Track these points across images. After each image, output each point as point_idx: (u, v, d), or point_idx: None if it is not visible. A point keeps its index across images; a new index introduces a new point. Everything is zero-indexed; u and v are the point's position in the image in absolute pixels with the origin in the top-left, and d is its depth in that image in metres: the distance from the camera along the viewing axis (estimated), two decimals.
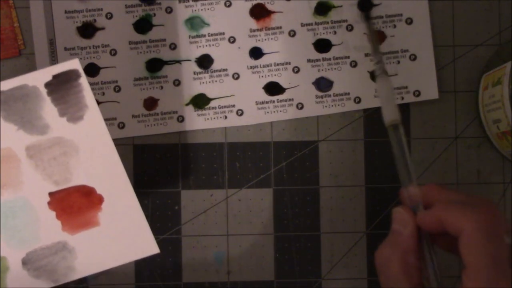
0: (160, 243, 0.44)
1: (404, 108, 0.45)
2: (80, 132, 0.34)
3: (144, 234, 0.35)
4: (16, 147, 0.34)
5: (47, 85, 0.34)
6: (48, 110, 0.34)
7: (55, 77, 0.34)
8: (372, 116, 0.45)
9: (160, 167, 0.44)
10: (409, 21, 0.44)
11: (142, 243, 0.35)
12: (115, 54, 0.44)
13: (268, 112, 0.44)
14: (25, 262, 0.34)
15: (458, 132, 0.45)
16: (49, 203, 0.34)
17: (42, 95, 0.34)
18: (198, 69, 0.44)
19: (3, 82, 0.34)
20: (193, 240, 0.44)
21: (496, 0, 0.45)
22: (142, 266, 0.44)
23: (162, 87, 0.44)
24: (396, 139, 0.36)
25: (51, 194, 0.35)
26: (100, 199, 0.35)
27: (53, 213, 0.35)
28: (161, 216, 0.44)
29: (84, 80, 0.35)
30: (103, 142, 0.35)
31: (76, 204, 0.34)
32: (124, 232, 0.35)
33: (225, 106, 0.44)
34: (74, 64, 0.35)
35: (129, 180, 0.35)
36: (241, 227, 0.44)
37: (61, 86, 0.34)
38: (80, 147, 0.34)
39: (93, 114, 0.35)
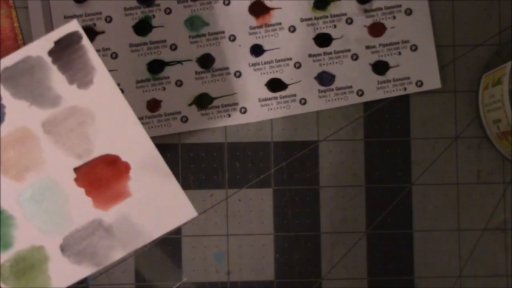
0: (160, 243, 0.44)
1: (404, 108, 0.45)
2: (93, 98, 0.33)
3: (179, 198, 0.33)
4: (32, 124, 0.33)
5: (51, 52, 0.33)
6: (57, 79, 0.33)
7: (57, 43, 0.33)
8: (372, 116, 0.45)
9: None
10: (409, 12, 0.44)
11: (179, 208, 0.33)
12: (116, 57, 0.44)
13: (271, 109, 0.44)
14: (63, 249, 0.33)
15: (458, 132, 0.45)
16: (75, 179, 0.33)
17: (48, 65, 0.33)
18: (199, 69, 0.44)
19: (3, 59, 0.32)
20: (193, 240, 0.44)
21: (496, 0, 0.45)
22: (142, 266, 0.44)
23: (164, 88, 0.44)
24: None
25: (76, 170, 0.33)
26: (127, 167, 0.33)
27: (82, 190, 0.33)
28: None
29: (86, 41, 0.33)
30: (118, 105, 0.33)
31: (103, 176, 0.33)
32: (158, 199, 0.33)
33: (228, 105, 0.44)
34: (74, 26, 0.33)
35: (152, 142, 0.33)
36: (241, 227, 0.44)
37: (64, 52, 0.33)
38: (96, 113, 0.33)
39: (102, 76, 0.33)
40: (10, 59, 0.33)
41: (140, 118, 0.44)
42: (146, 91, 0.44)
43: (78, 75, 0.33)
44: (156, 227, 0.33)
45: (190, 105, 0.44)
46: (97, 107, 0.33)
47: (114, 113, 0.33)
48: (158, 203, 0.33)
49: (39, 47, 0.33)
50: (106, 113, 0.33)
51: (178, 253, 0.44)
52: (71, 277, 0.33)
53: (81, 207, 0.33)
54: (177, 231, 0.44)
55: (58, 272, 0.33)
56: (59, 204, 0.33)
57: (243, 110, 0.44)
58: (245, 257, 0.44)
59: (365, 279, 0.45)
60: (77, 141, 0.33)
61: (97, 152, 0.33)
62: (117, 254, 0.33)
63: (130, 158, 0.33)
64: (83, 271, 0.33)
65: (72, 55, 0.33)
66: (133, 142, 0.33)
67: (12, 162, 0.33)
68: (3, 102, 0.33)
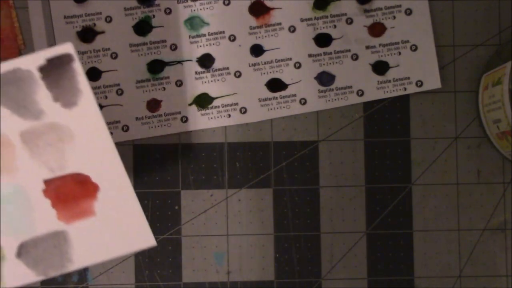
0: (160, 243, 0.44)
1: (404, 108, 0.45)
2: (75, 118, 0.34)
3: (140, 225, 0.34)
4: (10, 132, 0.33)
5: (41, 69, 0.33)
6: (42, 94, 0.33)
7: (49, 60, 0.33)
8: (372, 116, 0.45)
9: (160, 167, 0.44)
10: (408, 12, 0.44)
11: (139, 235, 0.34)
12: (116, 57, 0.44)
13: (271, 109, 0.44)
14: (20, 252, 0.33)
15: (458, 132, 0.45)
16: (44, 191, 0.34)
17: (36, 80, 0.33)
18: (199, 69, 0.44)
19: None
20: (193, 240, 0.44)
21: (496, 0, 0.45)
22: (142, 266, 0.44)
23: (164, 88, 0.44)
24: None
25: (46, 182, 0.34)
26: (95, 188, 0.34)
27: (48, 201, 0.34)
28: (161, 216, 0.44)
29: (77, 65, 0.33)
30: (97, 129, 0.34)
31: (71, 192, 0.34)
32: (120, 223, 0.34)
33: (228, 105, 0.44)
34: (68, 48, 0.33)
35: (124, 168, 0.34)
36: (241, 227, 0.44)
37: (54, 70, 0.33)
38: (75, 133, 0.34)
39: (87, 100, 0.34)
40: (1, 67, 0.33)
41: (140, 118, 0.44)
42: (146, 91, 0.44)
43: (64, 94, 0.34)
44: (112, 249, 0.34)
45: (190, 105, 0.44)
46: (77, 128, 0.34)
47: (93, 136, 0.34)
48: (119, 227, 0.34)
49: (31, 62, 0.33)
50: (85, 135, 0.34)
51: (178, 253, 0.44)
52: (22, 279, 0.34)
53: (45, 217, 0.34)
54: (177, 231, 0.44)
55: (11, 273, 0.34)
56: (24, 210, 0.34)
57: (243, 110, 0.44)
58: (245, 257, 0.44)
59: (365, 279, 0.45)
60: (52, 156, 0.34)
61: (69, 169, 0.34)
62: (72, 266, 0.34)
63: (100, 180, 0.34)
64: (36, 276, 0.34)
65: (61, 75, 0.33)
66: (106, 166, 0.34)
67: None
68: None
